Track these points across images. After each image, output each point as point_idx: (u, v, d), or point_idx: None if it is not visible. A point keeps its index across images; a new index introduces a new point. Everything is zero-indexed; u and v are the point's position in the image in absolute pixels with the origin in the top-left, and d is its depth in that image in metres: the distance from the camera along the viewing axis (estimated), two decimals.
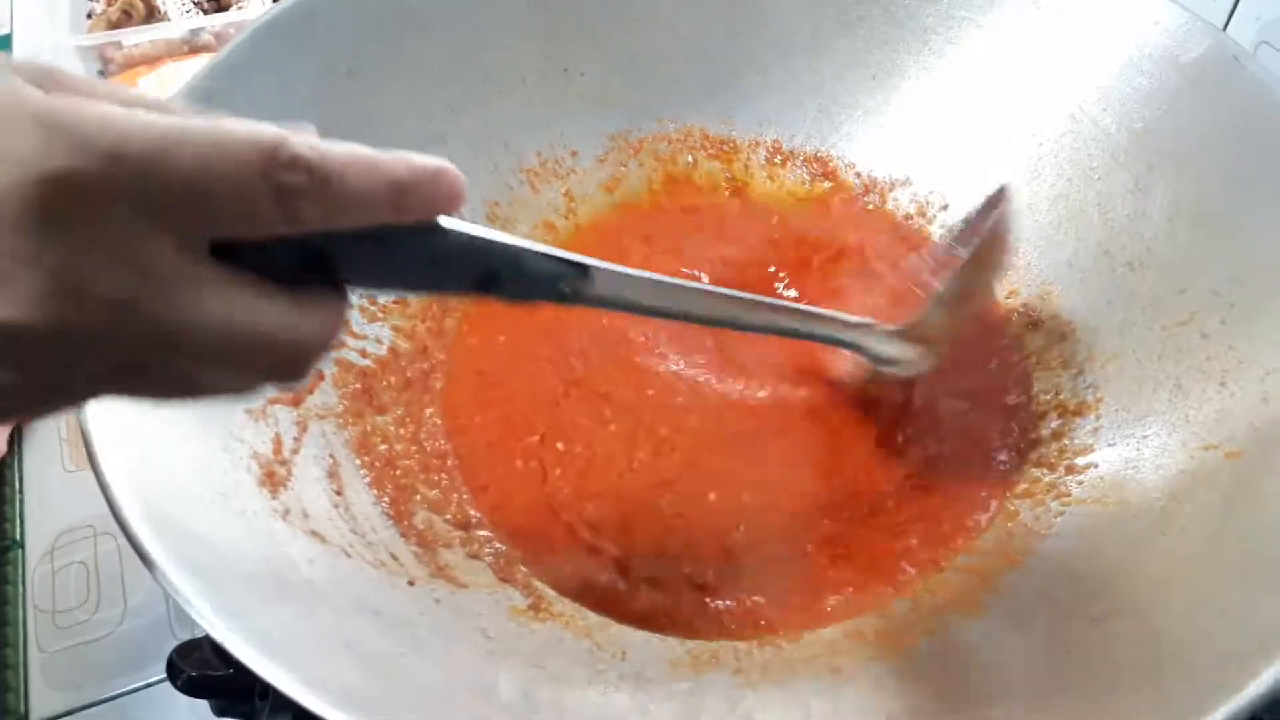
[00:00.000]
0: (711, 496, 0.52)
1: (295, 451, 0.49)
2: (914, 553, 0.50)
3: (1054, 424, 0.54)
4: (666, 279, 0.37)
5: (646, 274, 0.36)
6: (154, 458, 0.42)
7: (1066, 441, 0.53)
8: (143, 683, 0.64)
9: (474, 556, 0.50)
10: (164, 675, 0.49)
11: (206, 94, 0.53)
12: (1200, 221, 0.53)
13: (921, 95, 0.65)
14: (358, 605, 0.43)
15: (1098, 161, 0.58)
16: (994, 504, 0.51)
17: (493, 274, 0.31)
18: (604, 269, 0.34)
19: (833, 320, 0.47)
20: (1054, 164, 0.60)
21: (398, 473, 0.53)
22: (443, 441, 0.56)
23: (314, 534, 0.45)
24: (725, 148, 0.69)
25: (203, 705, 0.54)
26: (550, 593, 0.50)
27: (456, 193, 0.28)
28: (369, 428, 0.54)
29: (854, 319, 0.48)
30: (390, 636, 0.42)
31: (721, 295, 0.40)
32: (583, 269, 0.33)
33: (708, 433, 0.54)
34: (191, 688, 0.50)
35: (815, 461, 0.53)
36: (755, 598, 0.49)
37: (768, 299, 0.42)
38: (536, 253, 0.32)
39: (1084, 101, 0.59)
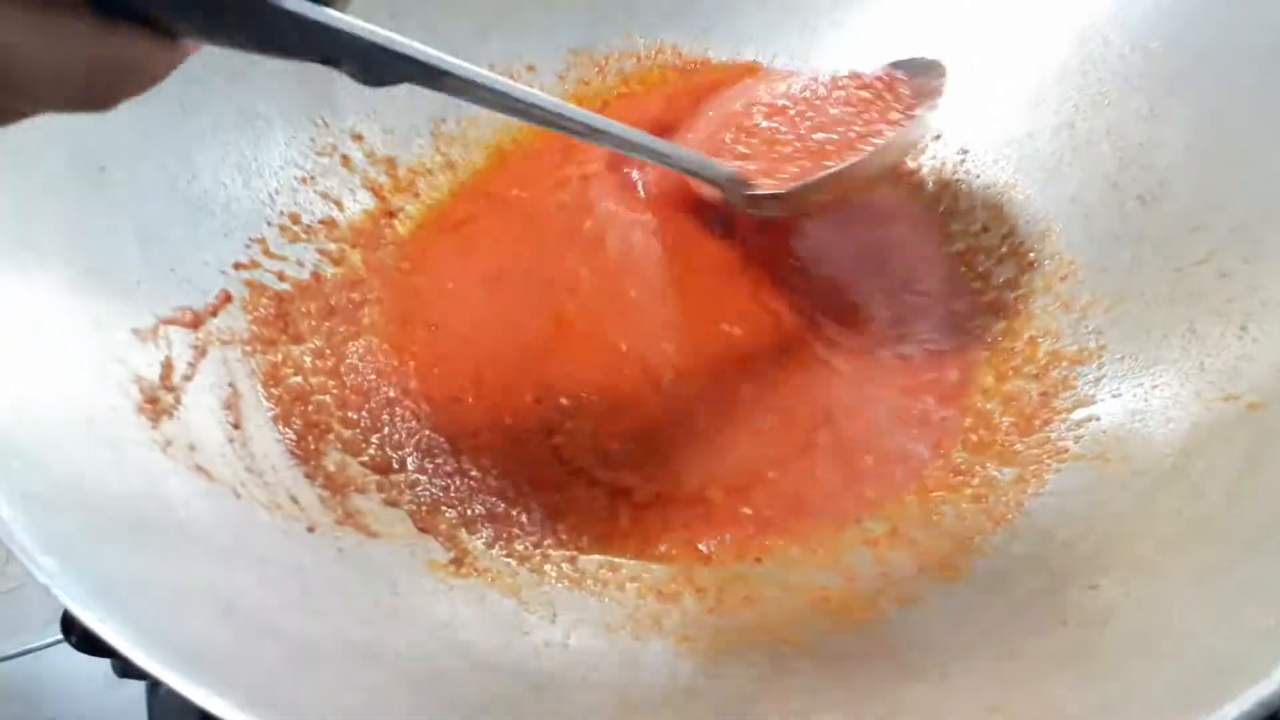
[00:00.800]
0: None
1: (188, 378, 0.43)
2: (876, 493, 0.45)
3: (1051, 372, 0.48)
4: (511, 88, 0.35)
5: (491, 80, 0.34)
6: (8, 376, 0.36)
7: (1063, 391, 0.47)
8: (53, 639, 0.60)
9: (391, 503, 0.45)
10: None
11: None
12: (1222, 150, 0.47)
13: (913, 12, 0.58)
14: (240, 552, 0.37)
15: (1108, 85, 0.52)
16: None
17: (334, 58, 0.29)
18: (452, 71, 0.32)
19: (695, 160, 0.48)
20: (1058, 89, 0.54)
21: (310, 408, 0.47)
22: (373, 377, 0.50)
23: (199, 469, 0.39)
24: (699, 68, 0.63)
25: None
26: (478, 545, 0.44)
27: None
28: (280, 357, 0.48)
29: (724, 167, 0.49)
30: (274, 589, 0.36)
31: (566, 113, 0.39)
32: (425, 69, 0.32)
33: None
34: (85, 645, 0.44)
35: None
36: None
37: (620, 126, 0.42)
38: (378, 46, 0.29)
39: (1094, 17, 0.53)
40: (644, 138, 0.44)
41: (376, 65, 0.30)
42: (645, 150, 0.44)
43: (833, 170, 0.49)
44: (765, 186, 0.49)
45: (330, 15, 0.27)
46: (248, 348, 0.47)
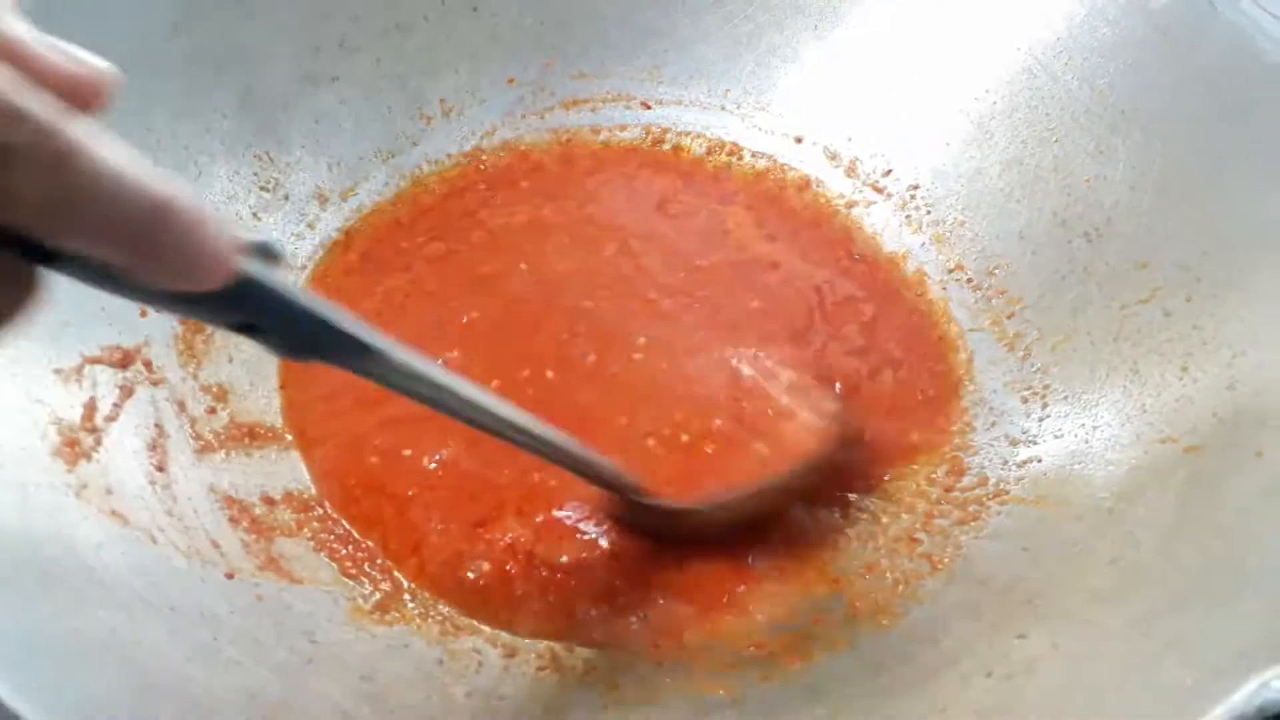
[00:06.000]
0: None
1: (111, 419, 0.42)
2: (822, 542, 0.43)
3: (992, 411, 0.48)
4: (456, 383, 0.32)
5: (435, 373, 0.31)
6: None
7: (1005, 432, 0.46)
8: None
9: (320, 549, 0.44)
10: None
11: (45, 5, 0.46)
12: (1167, 188, 0.47)
13: (866, 48, 0.58)
14: (149, 600, 0.36)
15: (1056, 122, 0.52)
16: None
17: (253, 325, 0.25)
18: (389, 357, 0.29)
19: (605, 469, 0.40)
20: (1007, 124, 0.54)
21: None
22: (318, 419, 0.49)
23: (114, 514, 0.38)
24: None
25: None
26: (407, 590, 0.43)
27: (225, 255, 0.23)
28: (212, 397, 0.47)
29: (628, 479, 0.41)
30: (183, 639, 0.35)
31: (507, 418, 0.34)
32: (362, 349, 0.28)
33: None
34: None
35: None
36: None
37: (552, 433, 0.36)
38: (314, 316, 0.26)
39: (1042, 55, 0.53)
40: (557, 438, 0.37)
41: (304, 338, 0.27)
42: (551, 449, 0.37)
43: (745, 491, 0.43)
44: (669, 499, 0.42)
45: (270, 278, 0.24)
46: (178, 387, 0.46)
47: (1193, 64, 0.48)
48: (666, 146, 0.61)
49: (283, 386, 0.49)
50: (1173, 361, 0.43)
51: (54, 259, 0.22)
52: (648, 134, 0.61)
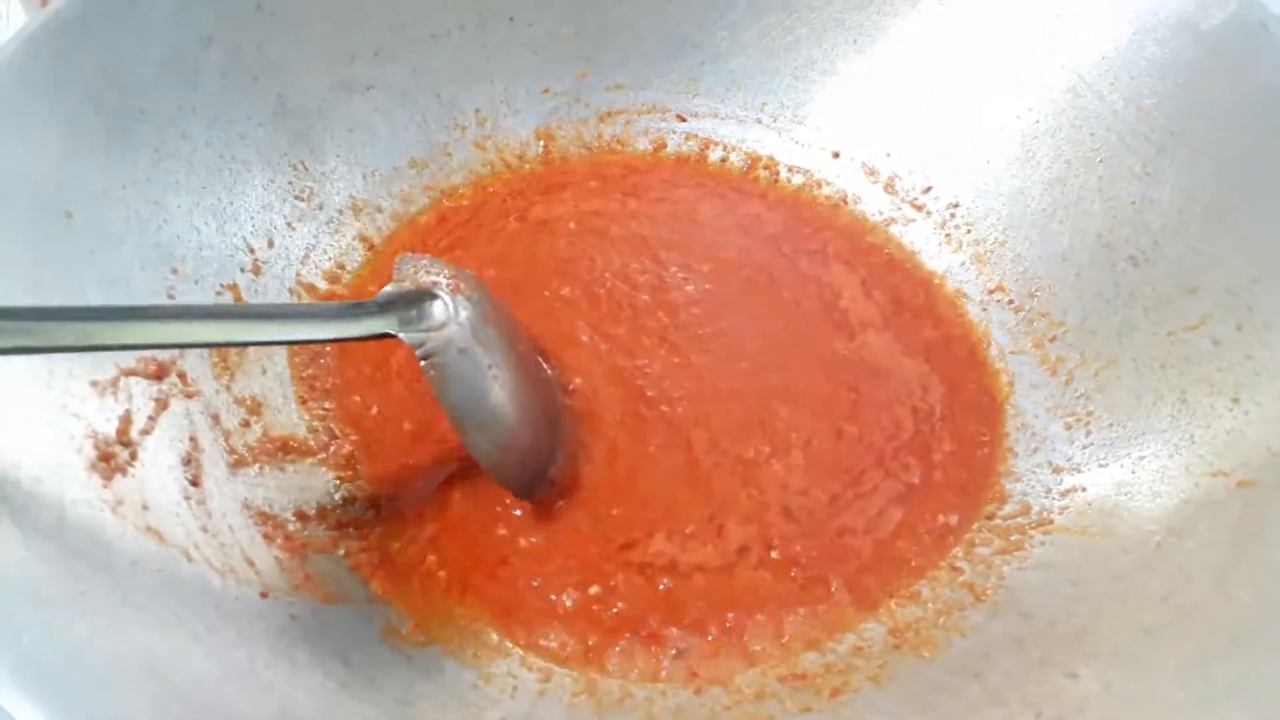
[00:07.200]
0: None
1: (146, 432, 0.42)
2: (866, 574, 0.43)
3: (1034, 437, 0.47)
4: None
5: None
6: None
7: (1048, 458, 0.46)
8: None
9: (356, 568, 0.43)
10: None
11: (81, 17, 0.46)
12: (1216, 211, 0.46)
13: (906, 63, 0.58)
14: (183, 620, 0.35)
15: (1101, 142, 0.51)
16: (958, 524, 0.44)
17: None
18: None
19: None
20: (1051, 144, 0.53)
21: None
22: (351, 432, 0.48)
23: (150, 530, 0.38)
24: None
25: None
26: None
27: None
28: (246, 409, 0.47)
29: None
30: (218, 661, 0.34)
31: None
32: None
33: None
34: None
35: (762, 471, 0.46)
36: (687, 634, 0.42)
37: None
38: None
39: (1087, 73, 0.52)
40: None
41: None
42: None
43: None
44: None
45: None
46: (213, 400, 0.46)
47: (1243, 85, 0.47)
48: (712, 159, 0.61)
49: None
50: (1223, 392, 0.42)
51: None
52: (683, 145, 0.61)
